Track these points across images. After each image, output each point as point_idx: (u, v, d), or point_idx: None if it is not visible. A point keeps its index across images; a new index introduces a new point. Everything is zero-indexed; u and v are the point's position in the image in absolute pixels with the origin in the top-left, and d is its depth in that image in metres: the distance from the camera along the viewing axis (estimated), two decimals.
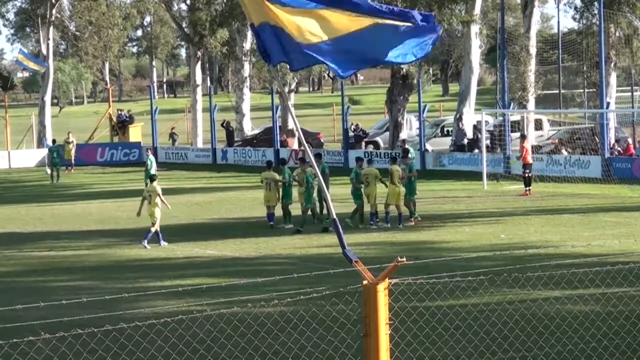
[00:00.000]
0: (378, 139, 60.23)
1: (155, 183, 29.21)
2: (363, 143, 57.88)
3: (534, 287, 16.10)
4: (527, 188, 37.61)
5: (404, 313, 12.43)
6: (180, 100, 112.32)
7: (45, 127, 67.07)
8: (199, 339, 13.16)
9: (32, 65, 67.46)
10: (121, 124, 65.90)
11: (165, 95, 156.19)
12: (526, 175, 37.84)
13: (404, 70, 53.50)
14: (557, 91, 59.08)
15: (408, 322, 12.78)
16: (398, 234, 28.93)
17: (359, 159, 32.89)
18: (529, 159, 38.40)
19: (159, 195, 28.48)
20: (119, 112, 68.16)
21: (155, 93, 76.21)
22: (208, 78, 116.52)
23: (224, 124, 62.36)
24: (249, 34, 61.74)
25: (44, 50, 67.99)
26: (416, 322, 13.18)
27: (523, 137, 40.74)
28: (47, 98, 68.81)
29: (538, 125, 53.05)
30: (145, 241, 28.05)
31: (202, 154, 60.12)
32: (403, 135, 55.76)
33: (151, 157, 42.95)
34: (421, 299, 14.25)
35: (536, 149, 46.28)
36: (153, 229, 28.21)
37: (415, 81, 54.55)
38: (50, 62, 68.37)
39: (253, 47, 62.17)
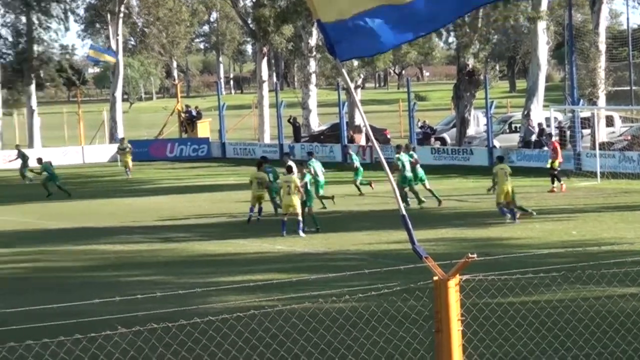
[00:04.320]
0: (445, 135, 60.04)
1: (293, 174, 29.32)
2: (432, 139, 57.78)
3: (609, 284, 15.94)
4: (554, 185, 37.27)
5: (476, 309, 12.42)
6: (247, 96, 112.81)
7: (116, 122, 67.83)
8: (272, 334, 13.25)
9: (103, 57, 68.37)
10: (189, 120, 66.42)
11: (232, 91, 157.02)
12: (555, 173, 37.58)
13: (470, 66, 53.25)
14: (629, 88, 58.42)
15: (480, 319, 12.77)
16: (468, 230, 28.82)
17: (399, 147, 34.75)
18: (559, 157, 38.10)
19: (296, 185, 28.76)
20: (187, 108, 68.69)
21: (223, 89, 76.67)
22: (274, 74, 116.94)
23: (291, 120, 62.56)
24: (314, 30, 61.87)
25: (113, 46, 68.69)
26: (488, 318, 13.15)
27: (550, 136, 40.46)
28: (118, 94, 69.55)
29: (609, 122, 52.50)
30: (301, 231, 28.44)
31: (269, 150, 60.38)
32: (470, 131, 55.55)
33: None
34: (493, 296, 14.20)
35: (608, 145, 45.79)
36: (300, 218, 28.58)
37: (481, 77, 54.26)
38: (120, 57, 69.07)
39: (318, 44, 62.28)
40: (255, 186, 32.15)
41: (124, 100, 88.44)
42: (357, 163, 39.36)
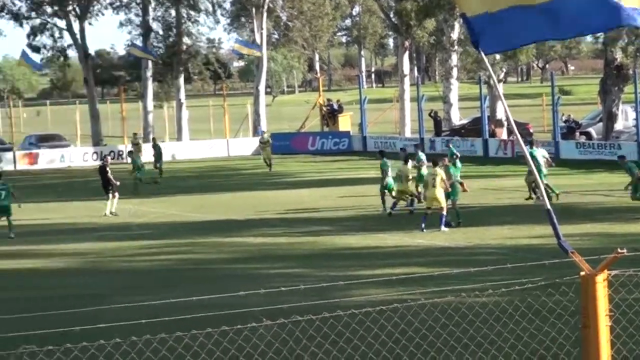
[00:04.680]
0: (590, 129, 58.94)
1: (438, 167, 29.33)
2: (577, 133, 56.82)
3: None
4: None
5: (625, 305, 12.18)
6: (388, 90, 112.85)
7: (259, 116, 68.65)
8: (414, 327, 13.28)
9: (248, 51, 69.31)
10: (331, 114, 66.80)
11: (374, 85, 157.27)
12: None
13: (619, 60, 52.17)
14: None
15: (630, 314, 12.54)
16: (615, 225, 28.30)
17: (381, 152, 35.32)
18: None
19: (442, 178, 28.76)
20: (329, 102, 69.11)
21: (364, 82, 76.95)
22: (415, 68, 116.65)
23: (432, 114, 62.33)
24: (456, 24, 61.47)
25: (257, 40, 69.53)
26: (639, 314, 12.91)
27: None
28: (262, 87, 70.38)
29: None
30: (443, 225, 28.39)
31: (409, 144, 60.25)
32: (618, 126, 54.45)
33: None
34: None
35: None
36: (444, 212, 28.54)
37: (630, 72, 53.08)
38: (264, 51, 69.84)
39: (460, 37, 61.86)
40: (400, 180, 32.12)
41: (267, 93, 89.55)
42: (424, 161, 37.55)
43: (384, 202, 33.05)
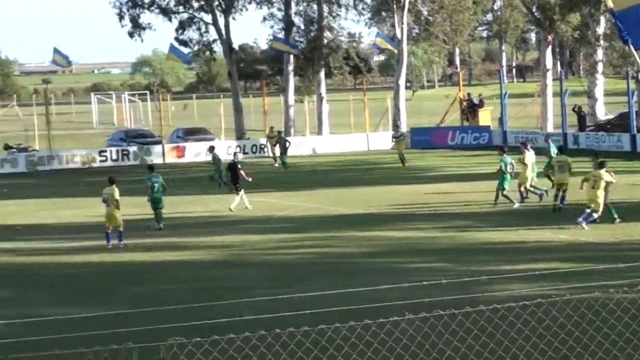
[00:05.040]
0: None
1: (604, 169, 28.75)
2: None
3: None
4: None
5: None
6: (530, 85, 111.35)
7: (399, 110, 68.58)
8: (559, 323, 13.11)
9: (388, 46, 69.29)
10: (471, 108, 66.30)
11: (515, 80, 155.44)
12: None
13: None
14: None
15: None
16: None
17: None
18: None
19: (604, 180, 28.28)
20: (469, 96, 68.60)
21: (505, 77, 75.91)
22: (558, 62, 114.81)
23: (575, 109, 61.25)
24: (602, 18, 60.26)
25: (398, 34, 69.44)
26: None
27: None
28: (402, 82, 70.28)
29: None
30: (584, 223, 27.81)
31: (552, 139, 59.33)
32: None
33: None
34: None
35: None
36: (589, 211, 27.90)
37: None
38: (404, 45, 69.75)
39: (606, 32, 60.62)
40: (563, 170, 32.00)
41: (407, 88, 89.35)
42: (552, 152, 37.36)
43: (507, 197, 33.05)
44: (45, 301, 21.05)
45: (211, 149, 46.24)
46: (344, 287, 14.98)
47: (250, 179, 36.19)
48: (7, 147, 59.82)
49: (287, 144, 52.96)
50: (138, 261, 25.80)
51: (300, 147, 62.41)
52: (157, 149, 60.11)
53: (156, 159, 57.23)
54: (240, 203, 35.26)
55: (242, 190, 35.54)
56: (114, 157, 58.78)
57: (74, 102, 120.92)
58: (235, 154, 39.01)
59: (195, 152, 60.04)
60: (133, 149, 59.75)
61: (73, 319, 12.99)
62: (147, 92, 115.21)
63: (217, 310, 15.50)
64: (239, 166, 36.22)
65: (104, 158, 58.54)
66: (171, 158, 59.53)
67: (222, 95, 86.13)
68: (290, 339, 10.74)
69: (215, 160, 43.71)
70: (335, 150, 62.36)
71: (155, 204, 31.69)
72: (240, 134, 66.85)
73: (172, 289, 21.72)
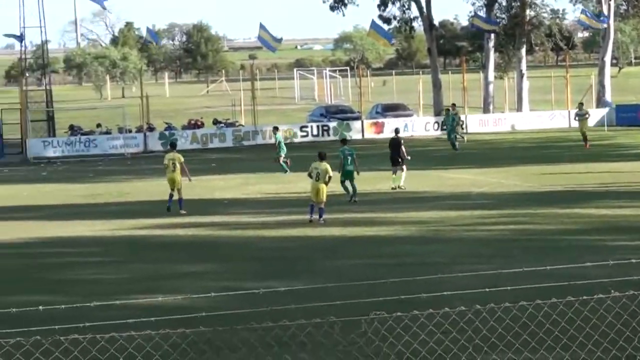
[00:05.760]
0: None
1: None
2: None
3: None
4: None
5: None
6: None
7: (604, 87, 66.95)
8: None
9: (592, 23, 67.62)
10: None
11: None
12: None
13: None
14: None
15: None
16: None
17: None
18: None
19: None
20: None
21: None
22: None
23: None
24: None
25: (605, 10, 67.76)
26: None
27: None
28: (607, 58, 68.57)
29: None
30: None
31: None
32: None
33: None
34: None
35: None
36: None
37: None
38: (611, 22, 68.05)
39: None
40: None
41: (613, 65, 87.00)
42: None
43: None
44: (250, 274, 21.41)
45: (275, 129, 46.61)
46: (546, 264, 14.63)
47: (409, 157, 36.01)
48: (215, 122, 61.36)
49: (454, 120, 51.52)
50: (335, 235, 26.00)
51: (499, 123, 61.63)
52: (356, 124, 60.45)
53: (355, 135, 57.58)
54: (399, 180, 35.14)
55: (405, 168, 35.50)
56: (315, 132, 59.48)
57: (277, 77, 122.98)
58: (397, 130, 38.69)
59: (394, 128, 59.99)
60: (333, 124, 60.30)
61: (277, 291, 13.20)
62: (348, 68, 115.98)
63: (415, 285, 15.43)
64: (402, 142, 36.23)
65: (304, 133, 59.32)
66: (370, 134, 59.76)
67: (421, 72, 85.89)
68: (490, 315, 10.58)
69: (278, 141, 43.80)
70: (535, 127, 61.32)
71: (347, 177, 31.89)
72: (438, 110, 66.52)
73: (368, 264, 21.79)
